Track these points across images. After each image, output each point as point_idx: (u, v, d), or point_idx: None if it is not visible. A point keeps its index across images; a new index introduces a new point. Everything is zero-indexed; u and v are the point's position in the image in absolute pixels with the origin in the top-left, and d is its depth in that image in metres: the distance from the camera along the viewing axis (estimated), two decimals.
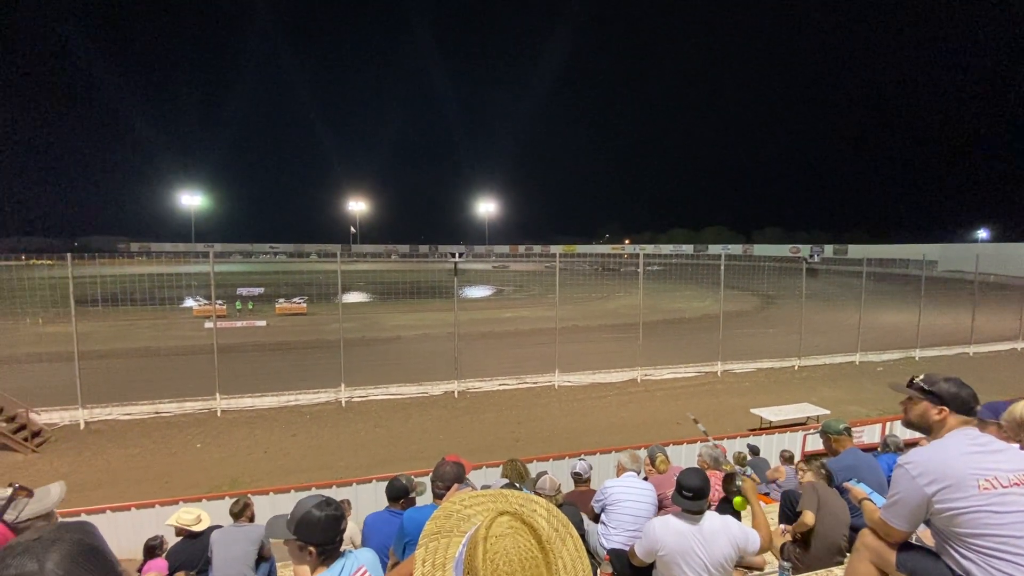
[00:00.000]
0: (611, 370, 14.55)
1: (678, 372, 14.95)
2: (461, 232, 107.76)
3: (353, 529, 4.94)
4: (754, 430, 9.75)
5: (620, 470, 4.09)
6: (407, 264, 63.95)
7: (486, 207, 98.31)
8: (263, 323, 22.99)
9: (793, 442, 9.04)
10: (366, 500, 6.67)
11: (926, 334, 17.67)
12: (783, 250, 65.09)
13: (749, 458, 7.18)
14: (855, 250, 57.95)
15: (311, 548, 1.79)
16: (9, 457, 9.61)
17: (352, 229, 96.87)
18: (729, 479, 3.29)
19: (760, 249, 69.70)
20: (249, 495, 4.76)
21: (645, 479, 4.36)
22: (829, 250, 61.40)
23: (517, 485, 3.82)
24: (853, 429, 4.23)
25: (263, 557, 3.87)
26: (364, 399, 12.61)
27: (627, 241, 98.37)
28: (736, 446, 8.14)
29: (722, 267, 17.08)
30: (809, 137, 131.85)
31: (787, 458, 7.35)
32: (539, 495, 3.54)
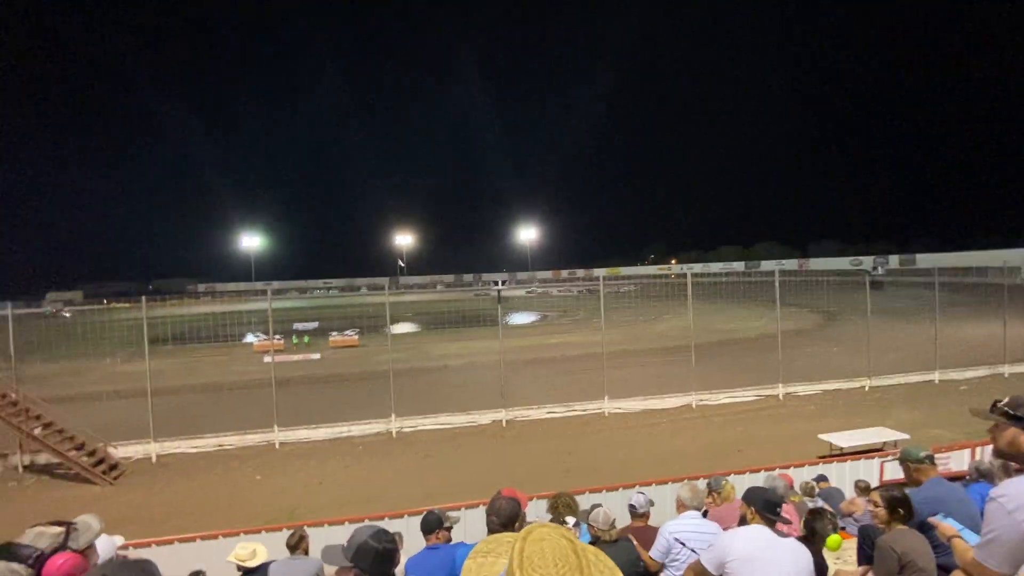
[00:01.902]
0: (664, 395, 14.04)
1: (736, 396, 14.23)
2: (504, 259, 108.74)
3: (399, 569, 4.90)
4: (824, 457, 9.08)
5: (680, 507, 3.76)
6: (451, 294, 64.99)
7: (527, 233, 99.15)
8: (318, 356, 23.84)
9: (869, 470, 8.33)
10: (417, 533, 6.63)
11: (1014, 348, 16.08)
12: (842, 263, 61.64)
13: (819, 489, 6.67)
14: (924, 259, 54.04)
15: None
16: (88, 490, 10.27)
17: (400, 262, 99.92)
18: (818, 515, 3.03)
19: (817, 263, 66.37)
20: (305, 527, 4.84)
21: (705, 513, 4.11)
22: (894, 261, 57.66)
23: (565, 520, 3.70)
24: (937, 456, 3.83)
25: None
26: (414, 429, 12.71)
27: (673, 261, 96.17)
28: (803, 476, 7.59)
29: (776, 283, 16.32)
30: (865, 142, 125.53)
31: (863, 488, 6.76)
32: (592, 529, 3.40)
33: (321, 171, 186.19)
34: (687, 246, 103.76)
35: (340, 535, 5.68)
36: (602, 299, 15.66)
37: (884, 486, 4.13)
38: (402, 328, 35.08)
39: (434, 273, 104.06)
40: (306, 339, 29.30)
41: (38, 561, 1.71)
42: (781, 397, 14.23)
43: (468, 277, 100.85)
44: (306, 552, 4.34)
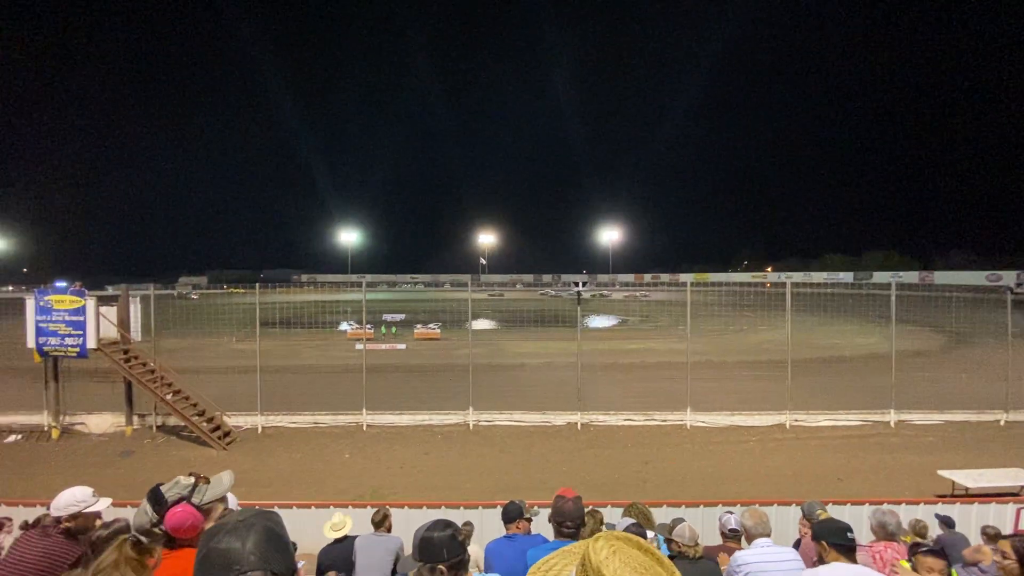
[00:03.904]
0: (753, 412, 13.11)
1: (838, 419, 12.95)
2: (586, 260, 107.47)
3: (477, 552, 5.04)
4: (943, 496, 8.01)
5: (747, 536, 3.50)
6: (530, 293, 65.43)
7: (609, 234, 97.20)
8: (403, 346, 25.05)
9: (1001, 517, 7.22)
10: (491, 525, 6.77)
11: None
12: (977, 277, 53.97)
13: (940, 532, 5.88)
14: None
15: (440, 568, 1.86)
16: (206, 452, 11.61)
17: (481, 260, 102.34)
18: (936, 554, 2.69)
19: (944, 277, 58.65)
20: (388, 507, 5.12)
21: (798, 542, 3.80)
22: None
23: (642, 528, 3.58)
24: None
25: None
26: (490, 424, 12.97)
27: (769, 268, 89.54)
28: (915, 513, 6.73)
29: (892, 297, 14.58)
30: (1001, 137, 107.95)
31: (992, 536, 5.86)
32: (673, 544, 3.27)
33: (414, 171, 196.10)
34: (786, 253, 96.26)
35: (419, 518, 5.94)
36: (688, 306, 14.94)
37: (1018, 535, 3.53)
38: (481, 324, 35.91)
39: (514, 272, 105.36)
40: (393, 330, 30.93)
41: (164, 508, 1.99)
42: (892, 424, 12.75)
43: (547, 277, 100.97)
44: (389, 530, 4.59)
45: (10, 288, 52.59)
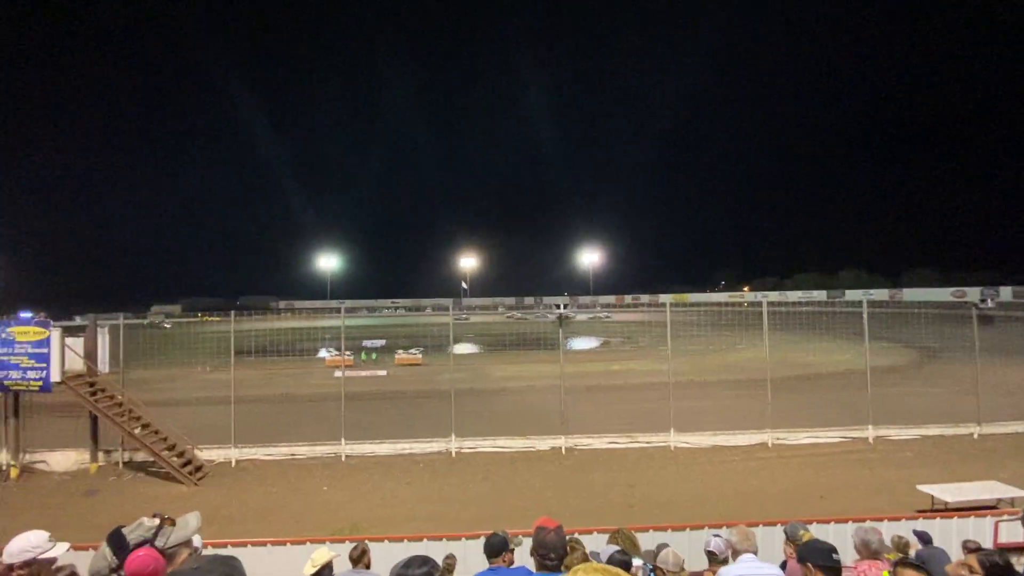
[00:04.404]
0: (736, 431, 13.17)
1: (818, 436, 13.08)
2: (566, 283, 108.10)
3: None
4: (923, 511, 8.10)
5: (733, 552, 3.51)
6: (512, 316, 65.33)
7: (589, 257, 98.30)
8: (384, 372, 24.70)
9: (981, 531, 7.31)
10: (474, 556, 6.57)
11: None
12: (942, 294, 55.85)
13: (919, 547, 5.92)
14: None
15: None
16: (175, 488, 11.11)
17: (463, 284, 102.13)
18: (916, 568, 2.68)
19: (911, 294, 60.54)
20: (367, 541, 4.93)
21: (784, 563, 3.78)
22: (1007, 292, 51.44)
23: (627, 555, 3.50)
24: None
25: None
26: (473, 450, 12.74)
27: (746, 288, 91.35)
28: (896, 530, 6.77)
29: (864, 314, 14.96)
30: (968, 156, 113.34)
31: (973, 550, 5.92)
32: (659, 571, 3.21)
33: (393, 195, 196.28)
34: (761, 273, 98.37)
35: (400, 552, 5.74)
36: (668, 326, 15.09)
37: (984, 550, 3.54)
38: (464, 348, 35.63)
39: (496, 295, 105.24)
40: (374, 356, 30.46)
41: (124, 553, 1.88)
42: (871, 440, 12.93)
43: (529, 300, 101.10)
44: (367, 566, 4.41)
45: None
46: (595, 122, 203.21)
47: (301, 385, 21.50)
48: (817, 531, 6.51)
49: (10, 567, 2.58)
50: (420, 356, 28.64)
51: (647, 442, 12.95)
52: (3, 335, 11.65)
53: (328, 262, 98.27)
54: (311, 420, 14.62)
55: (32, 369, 11.64)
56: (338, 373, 15.70)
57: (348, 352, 24.34)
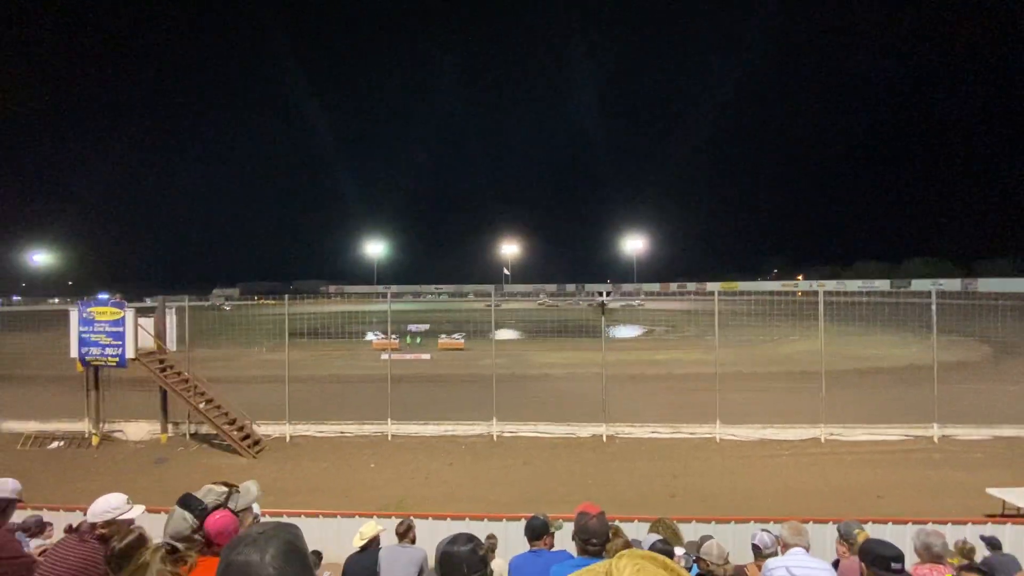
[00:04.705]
0: (786, 426, 12.68)
1: (876, 433, 12.41)
2: (610, 270, 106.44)
3: (501, 566, 4.97)
4: (993, 516, 7.58)
5: (783, 547, 3.39)
6: (543, 304, 65.11)
7: (633, 243, 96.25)
8: (428, 356, 25.22)
9: None
10: (515, 537, 6.69)
11: None
12: (1022, 285, 51.37)
13: (987, 554, 5.54)
14: None
15: None
16: (236, 460, 11.86)
17: (505, 270, 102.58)
18: (982, 573, 2.53)
19: (988, 284, 56.00)
20: (412, 517, 5.12)
21: (836, 562, 3.63)
22: None
23: (669, 545, 3.47)
24: None
25: None
26: (514, 435, 12.89)
27: (800, 277, 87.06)
28: (961, 534, 6.36)
29: (933, 306, 13.97)
30: None
31: None
32: (702, 563, 3.16)
33: (438, 182, 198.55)
34: (816, 261, 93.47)
35: (443, 530, 5.92)
36: (716, 315, 14.63)
37: None
38: (505, 334, 35.91)
39: (538, 282, 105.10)
40: (418, 340, 31.17)
41: (203, 513, 2.04)
42: (936, 440, 12.15)
43: (571, 287, 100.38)
44: (413, 541, 4.58)
45: (56, 301, 55.22)
46: (643, 107, 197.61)
47: (350, 367, 22.35)
48: (873, 531, 6.21)
49: (93, 525, 2.85)
50: (463, 341, 29.10)
51: (691, 433, 12.69)
52: (84, 315, 12.70)
53: (375, 248, 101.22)
54: (359, 400, 15.19)
55: (110, 346, 12.66)
56: (384, 356, 16.23)
57: (394, 336, 25.07)
